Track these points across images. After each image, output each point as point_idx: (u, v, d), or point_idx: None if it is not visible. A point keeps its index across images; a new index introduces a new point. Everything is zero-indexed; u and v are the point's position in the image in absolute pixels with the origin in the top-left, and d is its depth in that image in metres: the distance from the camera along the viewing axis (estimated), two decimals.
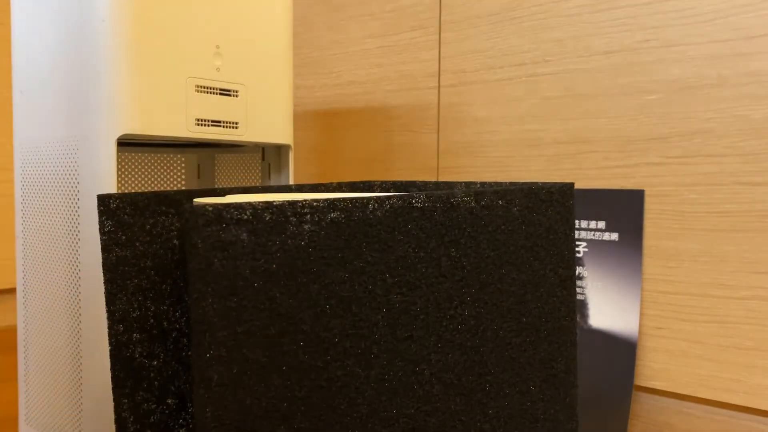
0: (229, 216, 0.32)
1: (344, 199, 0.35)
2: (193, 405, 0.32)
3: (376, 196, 0.36)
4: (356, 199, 0.36)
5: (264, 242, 0.33)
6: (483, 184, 0.52)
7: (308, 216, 0.34)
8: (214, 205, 0.32)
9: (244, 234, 0.33)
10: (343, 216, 0.35)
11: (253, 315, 0.33)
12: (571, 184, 0.44)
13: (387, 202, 0.37)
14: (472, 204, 0.39)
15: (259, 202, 0.33)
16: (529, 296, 0.42)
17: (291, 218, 0.34)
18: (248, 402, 0.33)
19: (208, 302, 0.32)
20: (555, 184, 0.43)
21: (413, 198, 0.37)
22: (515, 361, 0.42)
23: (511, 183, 0.51)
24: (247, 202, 0.33)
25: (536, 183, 0.44)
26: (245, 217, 0.33)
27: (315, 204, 0.34)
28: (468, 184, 0.52)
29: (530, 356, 0.43)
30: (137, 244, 0.42)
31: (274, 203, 0.33)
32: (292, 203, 0.34)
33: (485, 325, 0.40)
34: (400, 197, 0.37)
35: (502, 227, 0.41)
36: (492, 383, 0.41)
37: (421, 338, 0.38)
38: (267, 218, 0.33)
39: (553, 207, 0.43)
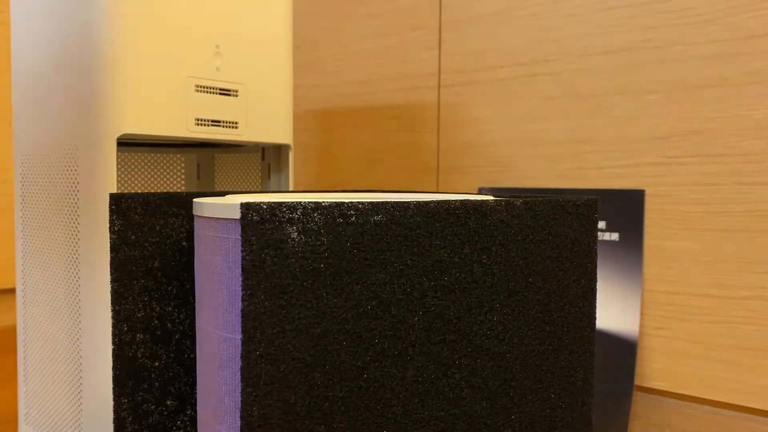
0: (281, 214, 0.33)
1: (387, 203, 0.36)
2: (241, 403, 0.32)
3: (416, 201, 0.37)
4: (398, 202, 0.37)
5: (313, 242, 0.34)
6: (502, 192, 0.53)
7: (353, 218, 0.35)
8: (268, 203, 0.33)
9: (295, 233, 0.33)
10: (385, 219, 0.36)
11: (301, 313, 0.34)
12: (596, 199, 0.45)
13: (426, 207, 0.37)
14: (504, 214, 0.40)
15: (309, 202, 0.34)
16: (553, 306, 0.43)
17: (338, 219, 0.35)
18: (292, 401, 0.33)
19: (260, 299, 0.32)
20: (581, 197, 0.44)
21: (450, 204, 0.38)
22: (538, 369, 0.43)
23: (537, 193, 0.51)
24: (297, 202, 0.34)
25: (563, 196, 0.45)
26: (296, 216, 0.33)
27: (360, 206, 0.35)
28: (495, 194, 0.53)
29: (552, 364, 0.43)
30: (146, 245, 0.42)
31: (323, 203, 0.34)
32: (339, 204, 0.35)
33: (512, 332, 0.41)
34: (438, 203, 0.38)
35: (530, 237, 0.42)
36: (516, 389, 0.42)
37: (453, 342, 0.39)
38: (316, 218, 0.34)
39: (578, 220, 0.44)
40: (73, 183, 0.61)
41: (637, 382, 0.79)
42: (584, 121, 0.82)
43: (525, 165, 0.87)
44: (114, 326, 0.42)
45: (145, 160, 0.83)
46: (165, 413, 0.44)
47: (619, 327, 0.78)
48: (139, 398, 0.43)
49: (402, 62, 1.01)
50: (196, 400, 0.45)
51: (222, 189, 0.88)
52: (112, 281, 0.41)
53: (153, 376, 0.43)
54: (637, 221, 0.78)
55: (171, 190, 0.85)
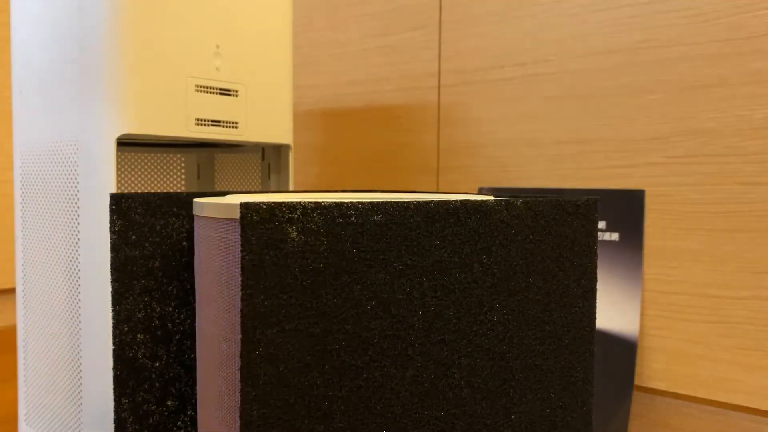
0: (281, 214, 0.33)
1: (386, 203, 0.36)
2: (240, 403, 0.32)
3: (416, 201, 0.37)
4: (398, 203, 0.37)
5: (312, 242, 0.34)
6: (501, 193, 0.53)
7: (353, 218, 0.35)
8: (268, 203, 0.33)
9: (294, 233, 0.33)
10: (385, 219, 0.36)
11: (300, 313, 0.34)
12: (596, 199, 0.45)
13: (426, 207, 0.37)
14: (504, 214, 0.40)
15: (309, 202, 0.34)
16: (553, 306, 0.43)
17: (338, 219, 0.35)
18: (292, 401, 0.34)
19: (260, 299, 0.32)
20: (581, 197, 0.44)
21: (450, 204, 0.38)
22: (538, 369, 0.43)
23: (537, 194, 0.52)
24: (297, 202, 0.34)
25: (563, 196, 0.45)
26: (296, 216, 0.33)
27: (360, 206, 0.35)
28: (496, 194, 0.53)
29: (552, 364, 0.43)
30: (146, 245, 0.43)
31: (323, 203, 0.34)
32: (339, 204, 0.35)
33: (512, 332, 0.41)
34: (438, 203, 0.38)
35: (530, 237, 0.42)
36: (516, 389, 0.42)
37: (453, 342, 0.39)
38: (316, 218, 0.34)
39: (579, 220, 0.44)
40: (73, 183, 0.61)
41: (637, 382, 0.79)
42: (584, 121, 0.82)
43: (525, 165, 0.87)
44: (114, 326, 0.42)
45: (145, 160, 0.83)
46: (165, 413, 0.44)
47: (619, 327, 0.78)
48: (140, 398, 0.43)
49: (402, 62, 1.01)
50: (196, 400, 0.45)
51: (222, 189, 0.88)
52: (113, 281, 0.42)
53: (153, 376, 0.43)
54: (637, 221, 0.78)
55: (171, 190, 0.85)
